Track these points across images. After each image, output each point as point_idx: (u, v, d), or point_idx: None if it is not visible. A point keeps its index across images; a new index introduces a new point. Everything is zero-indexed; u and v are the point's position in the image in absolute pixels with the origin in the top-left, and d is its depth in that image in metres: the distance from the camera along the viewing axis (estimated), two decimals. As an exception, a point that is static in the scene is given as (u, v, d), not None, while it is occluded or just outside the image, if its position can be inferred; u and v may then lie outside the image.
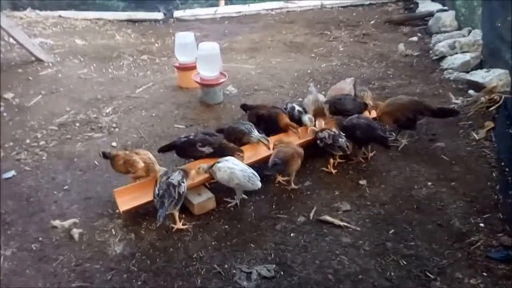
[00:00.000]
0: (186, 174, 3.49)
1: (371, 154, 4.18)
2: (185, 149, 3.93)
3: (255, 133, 4.08)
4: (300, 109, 4.51)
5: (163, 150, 4.06)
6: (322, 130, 4.04)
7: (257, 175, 3.53)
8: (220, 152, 3.82)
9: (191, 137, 3.91)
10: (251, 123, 4.21)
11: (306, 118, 4.30)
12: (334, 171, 4.00)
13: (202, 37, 8.11)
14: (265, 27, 8.79)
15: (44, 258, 3.14)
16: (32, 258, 3.14)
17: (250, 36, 8.23)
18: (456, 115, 4.35)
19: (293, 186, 3.82)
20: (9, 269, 3.04)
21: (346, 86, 4.73)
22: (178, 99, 5.57)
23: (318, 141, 4.02)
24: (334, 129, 4.01)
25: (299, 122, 4.36)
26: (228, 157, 3.64)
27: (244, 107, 4.86)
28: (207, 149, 3.79)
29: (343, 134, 3.98)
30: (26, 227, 3.44)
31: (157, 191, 3.30)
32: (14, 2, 9.26)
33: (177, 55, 5.88)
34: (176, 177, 3.36)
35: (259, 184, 3.51)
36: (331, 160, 4.01)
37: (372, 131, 3.98)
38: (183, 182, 3.37)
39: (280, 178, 3.91)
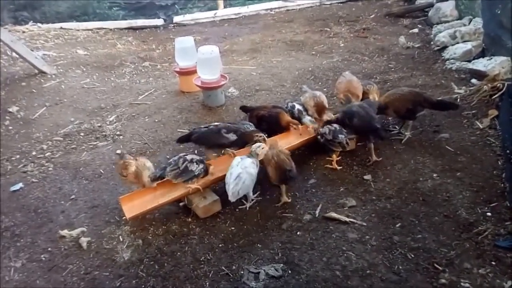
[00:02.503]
0: (206, 168, 3.63)
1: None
2: (208, 137, 3.98)
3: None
4: (301, 108, 4.49)
5: (182, 140, 4.22)
6: (323, 126, 4.04)
7: (232, 187, 3.41)
8: (241, 139, 3.94)
9: (211, 126, 4.00)
10: (250, 123, 4.22)
11: (307, 119, 4.30)
12: (338, 167, 3.99)
13: (203, 40, 8.14)
14: (264, 27, 8.79)
15: (53, 268, 3.18)
16: (41, 269, 3.18)
17: (250, 37, 8.23)
18: (455, 108, 4.32)
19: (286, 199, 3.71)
20: (20, 281, 3.08)
21: (354, 78, 4.68)
22: (181, 104, 5.59)
23: (319, 137, 4.02)
24: (335, 125, 4.00)
25: (299, 121, 4.35)
26: (246, 158, 3.62)
27: (244, 108, 4.88)
28: (231, 136, 3.86)
29: (344, 130, 3.97)
30: (35, 238, 3.48)
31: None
32: (16, 16, 9.34)
33: (178, 60, 5.91)
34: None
35: (229, 196, 3.43)
36: (334, 156, 3.99)
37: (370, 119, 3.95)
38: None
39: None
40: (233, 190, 3.41)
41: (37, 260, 3.26)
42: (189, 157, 3.58)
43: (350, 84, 4.51)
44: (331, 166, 4.02)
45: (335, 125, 4.01)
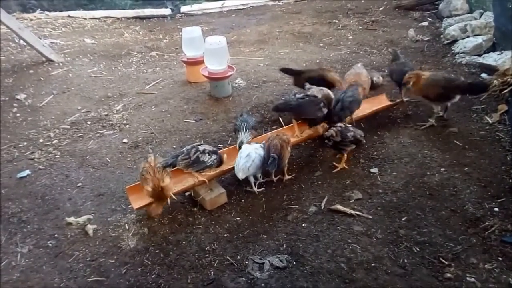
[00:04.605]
0: (220, 158, 3.64)
1: None
2: (306, 109, 4.04)
3: (242, 135, 3.94)
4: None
5: (279, 109, 4.31)
6: (327, 129, 3.96)
7: (242, 163, 3.50)
8: (328, 115, 4.09)
9: (307, 98, 4.06)
10: (246, 121, 4.08)
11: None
12: (346, 167, 3.92)
13: (210, 31, 8.10)
14: (272, 19, 8.73)
15: (60, 254, 3.20)
16: (48, 255, 3.20)
17: (258, 28, 8.18)
18: (486, 88, 4.33)
19: (287, 177, 3.82)
20: (26, 266, 3.11)
21: (363, 70, 4.63)
22: (187, 94, 5.58)
23: (326, 141, 3.91)
24: (339, 124, 3.92)
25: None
26: (253, 144, 3.70)
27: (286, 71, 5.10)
28: (325, 111, 4.01)
29: (350, 126, 3.93)
30: (41, 225, 3.50)
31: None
32: (24, 4, 9.33)
33: (185, 50, 5.88)
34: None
35: (239, 173, 3.52)
36: (345, 157, 3.89)
37: None
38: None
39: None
40: (243, 166, 3.46)
41: (43, 246, 3.29)
42: (201, 147, 3.57)
43: (358, 77, 4.48)
44: (338, 165, 3.92)
45: (339, 124, 3.95)
